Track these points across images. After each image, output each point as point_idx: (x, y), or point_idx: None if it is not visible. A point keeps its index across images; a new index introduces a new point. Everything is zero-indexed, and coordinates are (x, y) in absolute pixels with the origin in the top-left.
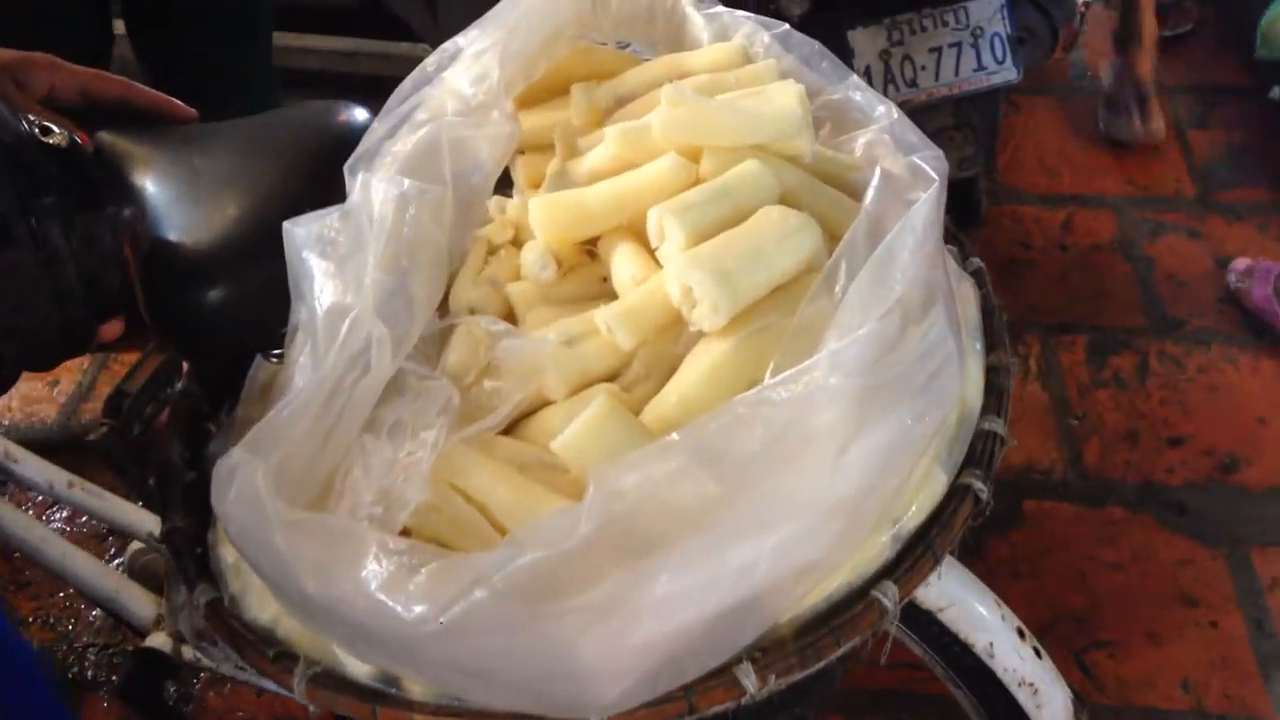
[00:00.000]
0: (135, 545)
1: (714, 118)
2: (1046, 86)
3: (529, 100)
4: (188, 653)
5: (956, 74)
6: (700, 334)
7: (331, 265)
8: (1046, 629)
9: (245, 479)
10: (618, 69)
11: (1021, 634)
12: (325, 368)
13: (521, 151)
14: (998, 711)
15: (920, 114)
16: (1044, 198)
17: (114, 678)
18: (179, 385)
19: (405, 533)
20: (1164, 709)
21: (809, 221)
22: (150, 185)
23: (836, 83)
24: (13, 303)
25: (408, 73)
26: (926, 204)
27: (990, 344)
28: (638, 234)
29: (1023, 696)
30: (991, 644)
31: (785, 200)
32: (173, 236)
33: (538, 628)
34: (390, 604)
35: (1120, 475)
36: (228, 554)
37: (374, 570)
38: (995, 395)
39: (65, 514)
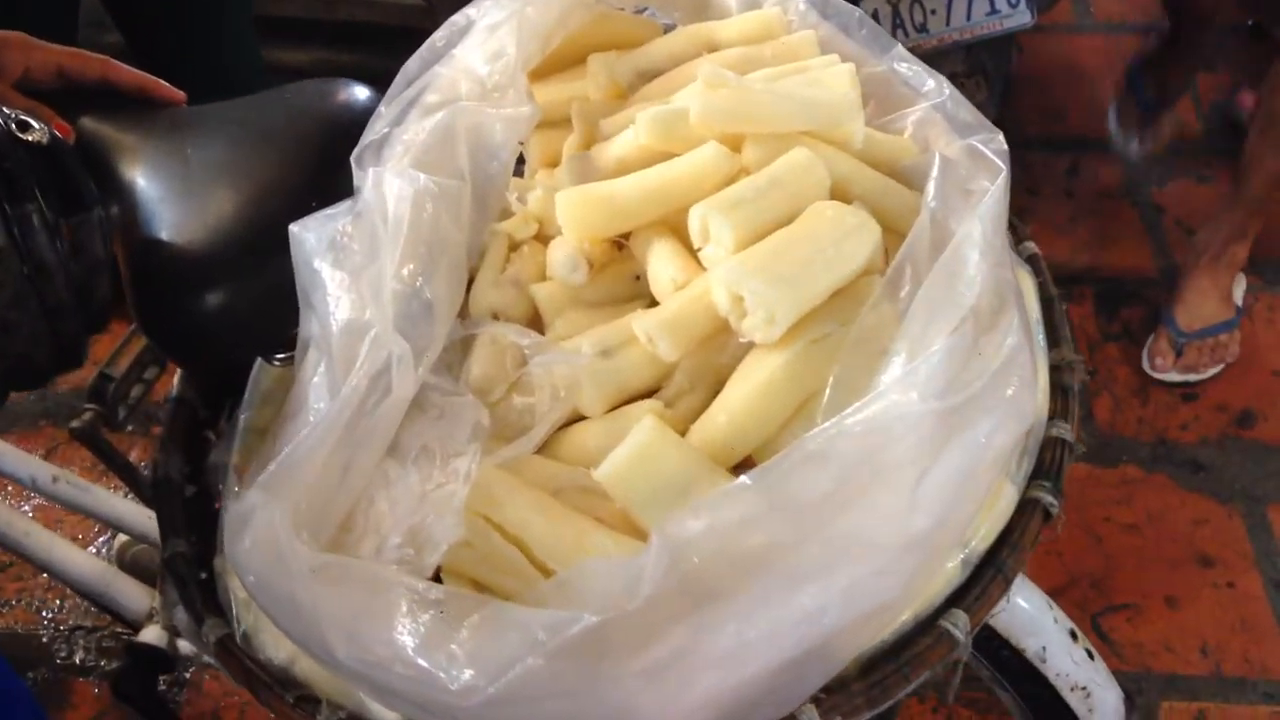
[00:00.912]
0: (124, 537)
1: (758, 103)
2: (1049, 25)
3: (541, 71)
4: (183, 646)
5: (968, 18)
6: (748, 343)
7: (345, 275)
8: (1062, 592)
9: (262, 523)
10: (637, 37)
11: (1074, 636)
12: (345, 392)
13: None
14: (1046, 715)
15: (929, 60)
16: (1048, 141)
17: (104, 662)
18: (173, 391)
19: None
20: (1183, 674)
21: (867, 219)
22: (139, 179)
23: (880, 54)
24: None
25: (390, 19)
26: (994, 198)
27: (1053, 339)
28: (675, 229)
29: (1075, 700)
30: (1044, 648)
31: (835, 191)
32: (165, 235)
33: (595, 691)
34: (433, 671)
35: (1133, 433)
36: (239, 586)
37: (410, 628)
38: (1061, 397)
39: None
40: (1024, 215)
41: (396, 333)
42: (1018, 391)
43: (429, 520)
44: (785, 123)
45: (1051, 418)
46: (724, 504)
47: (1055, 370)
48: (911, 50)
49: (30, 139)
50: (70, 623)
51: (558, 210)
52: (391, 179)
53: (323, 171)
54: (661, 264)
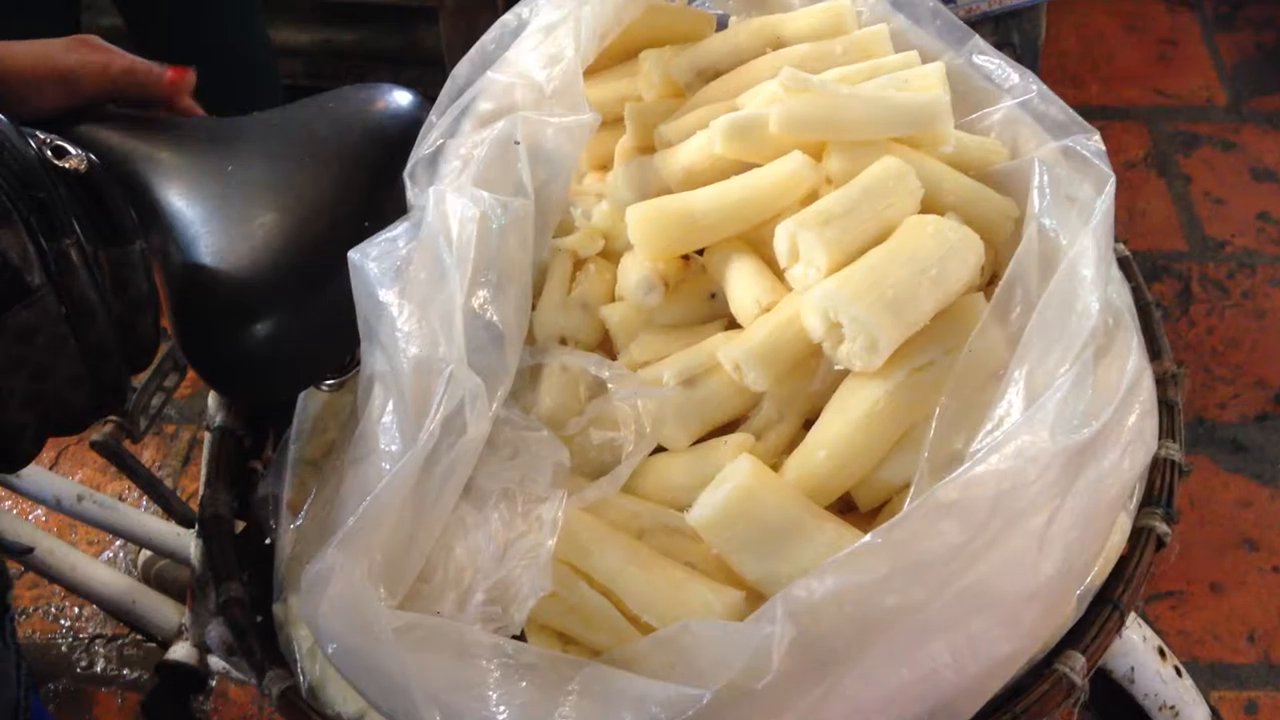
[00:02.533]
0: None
1: (845, 109)
2: None
3: (589, 67)
4: (215, 663)
5: None
6: (842, 369)
7: (413, 306)
8: None
9: (342, 585)
10: (691, 31)
11: (1162, 654)
12: (422, 438)
13: None
14: None
15: None
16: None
17: (125, 671)
18: (214, 419)
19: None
20: (1231, 662)
21: (969, 234)
22: (176, 199)
23: (956, 46)
24: (32, 367)
25: None
26: (1104, 210)
27: (1154, 350)
28: (753, 245)
29: None
30: (1132, 669)
31: (926, 200)
32: (208, 262)
33: None
34: None
35: None
36: (304, 636)
37: (506, 699)
38: (1167, 413)
39: None
40: None
41: (469, 367)
42: (1140, 418)
43: (514, 574)
44: (875, 130)
45: (1159, 437)
46: (851, 566)
47: (1158, 384)
48: None
49: (67, 166)
50: (90, 631)
51: (630, 226)
52: (454, 199)
53: (374, 188)
54: (744, 285)
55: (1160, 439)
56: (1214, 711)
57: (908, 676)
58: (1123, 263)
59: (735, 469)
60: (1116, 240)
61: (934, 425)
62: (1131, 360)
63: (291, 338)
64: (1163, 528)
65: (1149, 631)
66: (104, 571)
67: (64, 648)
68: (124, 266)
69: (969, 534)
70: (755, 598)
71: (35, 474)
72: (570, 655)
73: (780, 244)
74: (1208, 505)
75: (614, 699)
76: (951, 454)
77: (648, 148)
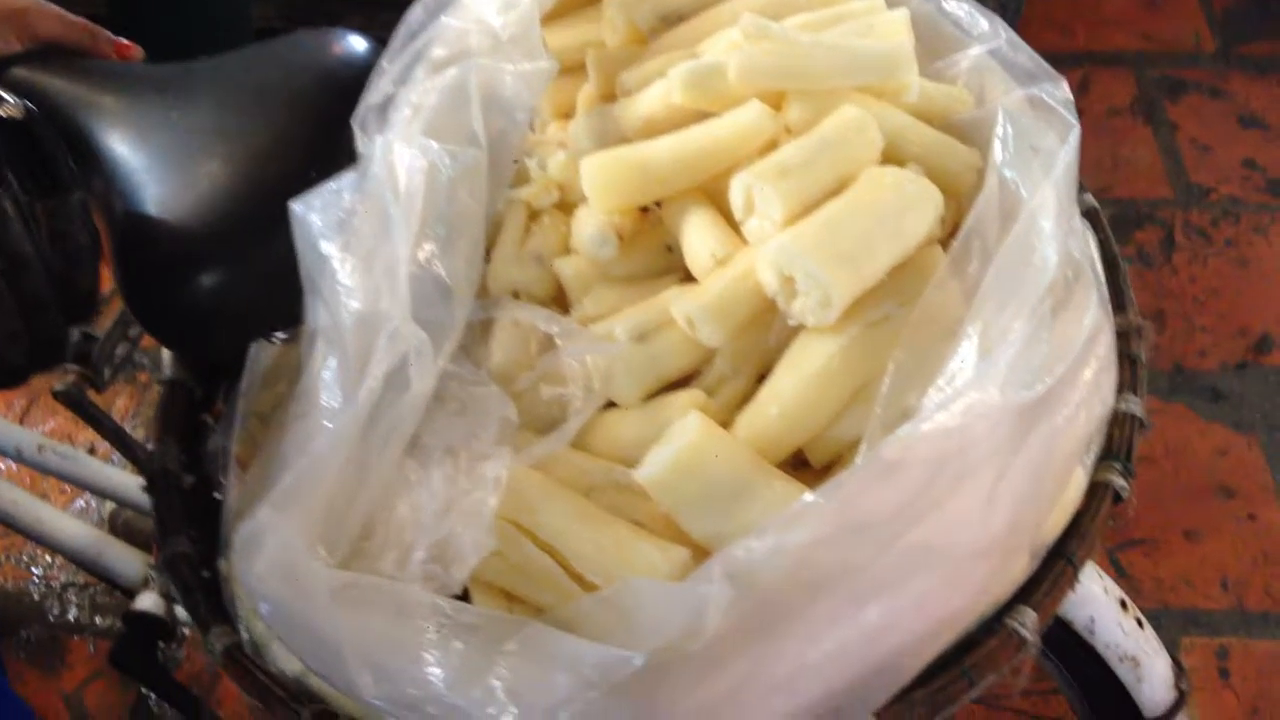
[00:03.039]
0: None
1: (806, 58)
2: None
3: (551, 13)
4: (181, 612)
5: None
6: (797, 324)
7: (356, 260)
8: None
9: (276, 545)
10: None
11: (1124, 605)
12: (361, 394)
13: None
14: (1093, 685)
15: None
16: (1057, 56)
17: (98, 619)
18: (165, 372)
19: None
20: (1204, 609)
21: (928, 186)
22: (120, 147)
23: None
24: None
25: None
26: (1067, 161)
27: (1117, 303)
28: (711, 196)
29: (1123, 671)
30: (1092, 619)
31: (887, 151)
32: (151, 211)
33: None
34: (469, 711)
35: (1150, 361)
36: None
37: (442, 659)
38: (1129, 367)
39: None
40: None
41: (414, 322)
42: (1098, 373)
43: (456, 532)
44: (836, 79)
45: (1120, 390)
46: (792, 526)
47: (1122, 337)
48: None
49: (2, 114)
50: (62, 579)
51: (584, 178)
52: (402, 149)
53: (323, 137)
54: (699, 237)
55: (1122, 392)
56: (1176, 662)
57: (851, 635)
58: (1090, 214)
59: (684, 426)
60: (1086, 190)
61: (887, 381)
62: (1089, 314)
63: (237, 290)
64: (1120, 482)
65: (1110, 583)
66: (69, 523)
67: (36, 595)
68: (61, 217)
69: (914, 492)
70: (703, 556)
71: None
72: (510, 615)
73: (736, 196)
74: (1184, 453)
75: (550, 660)
76: (905, 410)
77: (611, 95)
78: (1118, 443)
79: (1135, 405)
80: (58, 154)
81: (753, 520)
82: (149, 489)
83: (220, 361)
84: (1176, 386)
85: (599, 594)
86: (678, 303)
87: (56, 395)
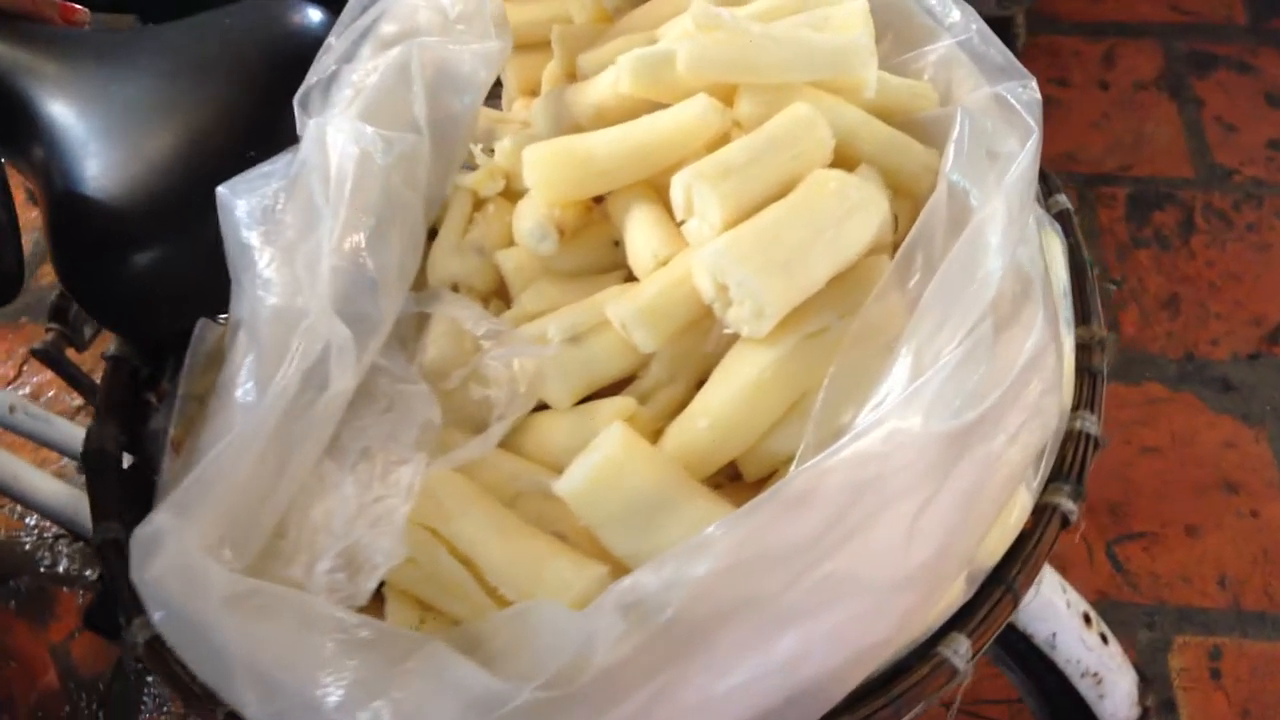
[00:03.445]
0: None
1: (755, 50)
2: None
3: None
4: None
5: None
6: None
7: (277, 251)
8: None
9: (173, 549)
10: None
11: (1087, 620)
12: (271, 392)
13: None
14: (1054, 698)
15: None
16: (1083, 27)
17: (88, 572)
18: (110, 347)
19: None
20: (1200, 606)
21: (874, 194)
22: (59, 117)
23: None
24: None
25: None
26: (1022, 168)
27: (1082, 313)
28: (659, 191)
29: (1084, 686)
30: (1054, 634)
31: (840, 150)
32: (87, 186)
33: None
34: None
35: (1160, 348)
36: None
37: (334, 680)
38: (1088, 382)
39: None
40: (1054, 110)
41: (337, 317)
42: (1041, 397)
43: (366, 540)
44: (787, 73)
45: (1075, 408)
46: (692, 557)
47: (1083, 350)
48: None
49: None
50: (54, 531)
51: (526, 168)
52: (334, 133)
53: (264, 114)
54: (641, 235)
55: (1078, 409)
56: (1142, 678)
57: (763, 666)
58: (1062, 216)
59: (606, 437)
60: (1059, 191)
61: (821, 396)
62: (1034, 334)
63: (174, 269)
64: (1068, 505)
65: (1074, 596)
66: (46, 480)
67: (28, 546)
68: None
69: (828, 522)
70: (622, 574)
71: None
72: (411, 631)
73: (676, 195)
74: (1190, 445)
75: (438, 685)
76: (839, 427)
77: (575, 74)
78: (1070, 463)
79: (1091, 424)
80: None
81: (673, 539)
82: (83, 469)
83: (162, 340)
84: (1186, 375)
85: (504, 613)
86: (613, 305)
87: (35, 353)
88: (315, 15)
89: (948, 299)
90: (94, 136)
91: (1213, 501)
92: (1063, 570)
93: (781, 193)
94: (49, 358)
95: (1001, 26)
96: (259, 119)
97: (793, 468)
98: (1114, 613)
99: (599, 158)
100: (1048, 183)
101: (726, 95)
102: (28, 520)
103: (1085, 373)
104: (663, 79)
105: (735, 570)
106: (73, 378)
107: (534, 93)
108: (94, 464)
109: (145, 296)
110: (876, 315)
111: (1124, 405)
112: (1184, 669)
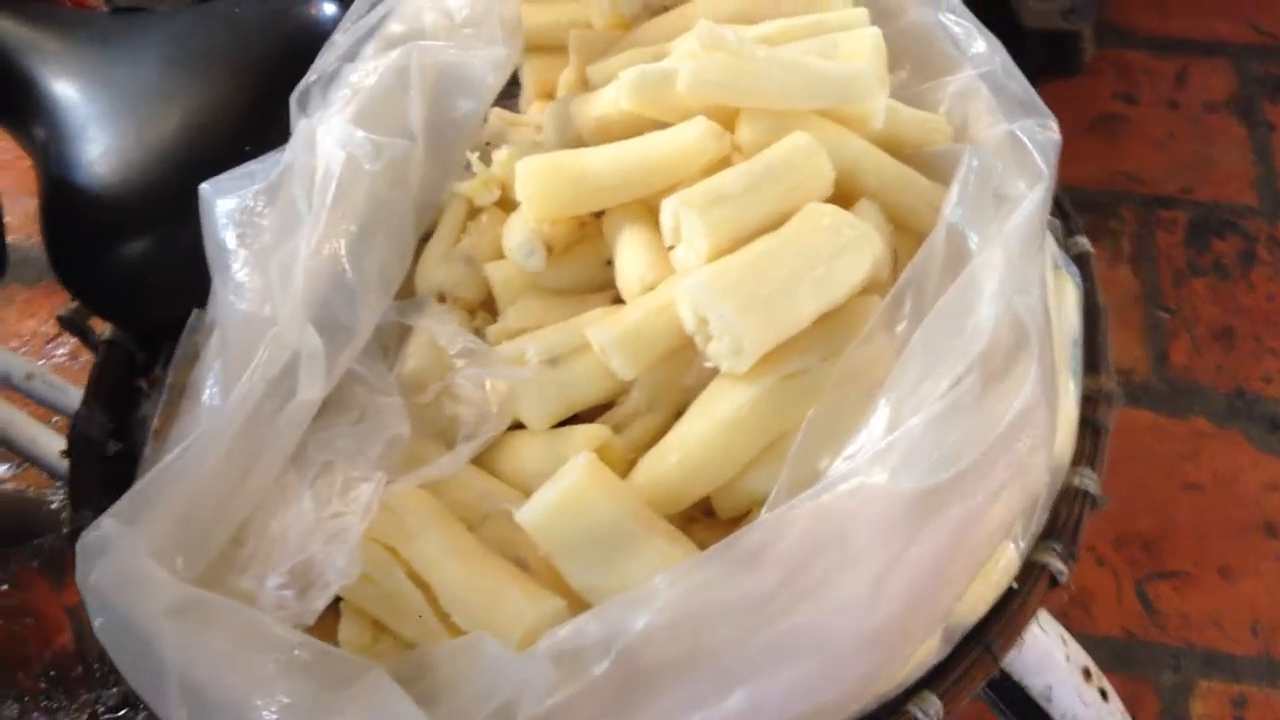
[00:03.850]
0: None
1: (759, 73)
2: None
3: None
4: None
5: None
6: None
7: (251, 255)
8: (1108, 552)
9: (119, 552)
10: None
11: (1087, 675)
12: (232, 399)
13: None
14: None
15: None
16: (1155, 42)
17: None
18: (105, 332)
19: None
20: (1227, 653)
21: (868, 233)
22: (61, 98)
23: (926, 3)
24: None
25: None
26: (1027, 214)
27: (1092, 362)
28: (653, 212)
29: None
30: (1050, 687)
31: (842, 182)
32: (84, 172)
33: None
34: None
35: (1210, 381)
36: None
37: (270, 702)
38: (1091, 436)
39: None
40: (1119, 127)
41: (310, 325)
42: (1028, 456)
43: (319, 557)
44: (789, 99)
45: (1075, 463)
46: (631, 609)
47: (1088, 401)
48: None
49: None
50: None
51: (518, 181)
52: (323, 136)
53: (263, 109)
54: (630, 258)
55: (1077, 464)
56: None
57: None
58: (1080, 259)
59: (571, 467)
60: (1078, 233)
61: (798, 440)
62: (1026, 389)
63: (166, 260)
64: (1058, 565)
65: (1075, 648)
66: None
67: (54, 505)
68: None
69: (784, 578)
70: (580, 607)
71: None
72: (352, 656)
73: (665, 220)
74: (1232, 484)
75: (371, 718)
76: (815, 472)
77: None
78: (1064, 521)
79: (1090, 481)
80: None
81: (631, 576)
82: (67, 454)
83: (155, 330)
84: (1235, 411)
85: (452, 644)
86: (593, 329)
87: (60, 320)
88: (329, 9)
89: (934, 347)
90: (92, 121)
91: (1251, 544)
92: (1087, 604)
93: (774, 224)
94: (73, 325)
95: (1068, 40)
96: (259, 113)
97: (763, 511)
98: (1138, 652)
99: (592, 175)
100: (1068, 222)
101: (729, 118)
102: (57, 481)
103: (1089, 426)
104: (663, 97)
105: (680, 623)
106: (95, 345)
107: (551, 96)
108: (78, 450)
109: (136, 285)
110: (861, 359)
111: (1167, 438)
112: (1206, 715)
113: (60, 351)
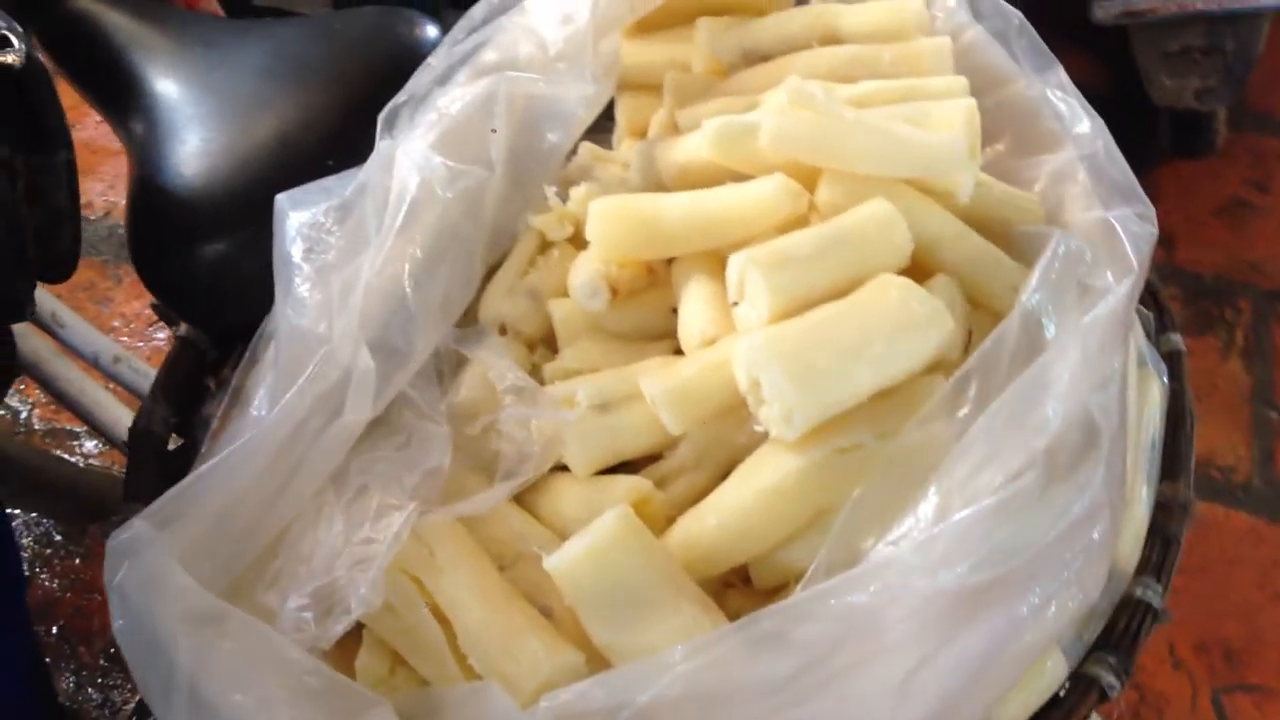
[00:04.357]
0: None
1: (845, 135)
2: None
3: (648, 24)
4: None
5: None
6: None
7: (314, 271)
8: (1187, 656)
9: (147, 556)
10: (756, 2)
11: None
12: (278, 413)
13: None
14: None
15: (1163, 28)
16: None
17: None
18: (181, 327)
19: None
20: None
21: (939, 312)
22: (160, 96)
23: (1032, 75)
24: None
25: None
26: (1111, 308)
27: (1171, 468)
28: (724, 266)
29: None
30: None
31: (921, 255)
32: (172, 172)
33: None
34: None
35: None
36: None
37: None
38: (1160, 546)
39: None
40: (1247, 215)
41: (365, 346)
42: (1085, 564)
43: (341, 582)
44: (873, 164)
45: (1140, 572)
46: (641, 680)
47: (1162, 509)
48: (1143, 14)
49: (4, 60)
50: None
51: (589, 221)
52: (402, 159)
53: (350, 125)
54: (694, 310)
55: (1141, 574)
56: None
57: None
58: (1172, 357)
59: (605, 520)
60: (1171, 330)
61: (842, 518)
62: (1089, 493)
63: (244, 265)
64: (1110, 680)
65: None
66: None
67: None
68: (45, 175)
69: (804, 665)
70: (600, 664)
71: (80, 327)
72: (365, 689)
73: (731, 275)
74: None
75: None
76: (855, 553)
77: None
78: (1121, 633)
79: (1153, 594)
80: (52, 110)
81: (654, 640)
82: (128, 448)
83: (229, 331)
84: None
85: (460, 688)
86: (647, 379)
87: (154, 307)
88: (431, 32)
89: (995, 438)
90: (187, 122)
91: None
92: (1160, 708)
93: (842, 291)
94: (163, 314)
95: (1201, 121)
96: (349, 129)
97: (798, 587)
98: None
99: (665, 221)
100: (1163, 317)
101: (811, 178)
102: None
103: (1159, 536)
104: (745, 150)
105: (690, 700)
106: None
107: (643, 134)
108: (137, 442)
109: (213, 287)
110: (917, 441)
111: (1264, 544)
112: None
113: (160, 335)
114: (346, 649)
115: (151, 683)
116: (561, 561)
